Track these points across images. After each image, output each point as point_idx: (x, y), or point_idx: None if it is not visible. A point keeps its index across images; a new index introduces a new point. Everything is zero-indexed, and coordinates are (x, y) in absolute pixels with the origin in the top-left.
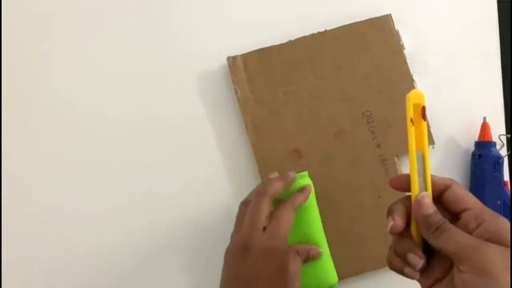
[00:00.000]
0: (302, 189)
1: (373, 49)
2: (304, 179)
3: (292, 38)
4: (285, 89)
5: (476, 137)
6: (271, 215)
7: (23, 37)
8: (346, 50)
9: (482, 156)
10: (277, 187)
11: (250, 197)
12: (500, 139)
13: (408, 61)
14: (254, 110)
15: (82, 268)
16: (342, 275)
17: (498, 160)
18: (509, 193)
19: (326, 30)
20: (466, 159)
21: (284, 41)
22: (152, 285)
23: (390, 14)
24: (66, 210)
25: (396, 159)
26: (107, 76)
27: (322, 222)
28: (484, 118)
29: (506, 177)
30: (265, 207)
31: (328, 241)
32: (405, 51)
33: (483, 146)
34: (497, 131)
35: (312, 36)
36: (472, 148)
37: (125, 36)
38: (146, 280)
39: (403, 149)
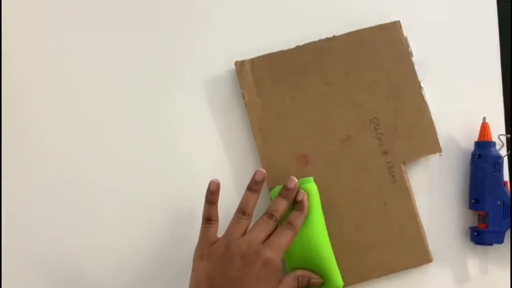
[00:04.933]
0: (301, 207)
1: (381, 56)
2: (310, 185)
3: (300, 44)
4: (292, 94)
5: (476, 137)
6: (274, 231)
7: (23, 38)
8: (354, 56)
9: (482, 156)
10: (283, 208)
11: (242, 205)
12: (500, 139)
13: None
14: (261, 115)
15: (83, 268)
16: (347, 282)
17: (497, 160)
18: (509, 193)
19: (334, 36)
20: (466, 159)
21: (292, 46)
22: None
23: (399, 21)
24: (67, 211)
25: (403, 166)
26: (114, 80)
27: (328, 228)
28: (484, 118)
29: (506, 177)
30: (271, 229)
31: (333, 247)
32: (413, 58)
33: (483, 146)
34: (497, 131)
35: (320, 41)
36: (472, 148)
37: (132, 41)
38: (149, 282)
39: (410, 156)
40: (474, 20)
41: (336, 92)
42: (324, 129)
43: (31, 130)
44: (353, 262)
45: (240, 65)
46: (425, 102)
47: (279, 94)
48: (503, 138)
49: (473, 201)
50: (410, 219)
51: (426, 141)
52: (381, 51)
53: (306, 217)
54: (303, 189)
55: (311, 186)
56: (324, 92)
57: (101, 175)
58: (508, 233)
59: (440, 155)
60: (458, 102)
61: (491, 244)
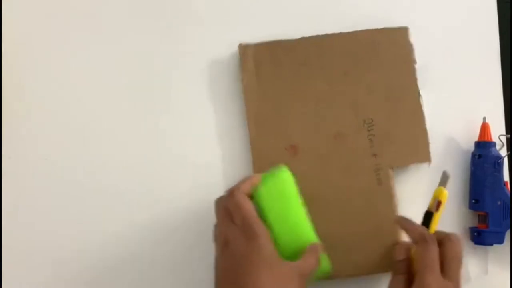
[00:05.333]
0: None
1: (384, 59)
2: (283, 173)
3: (306, 35)
4: (291, 84)
5: (476, 137)
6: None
7: (23, 37)
8: (356, 55)
9: (482, 156)
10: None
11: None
12: (500, 139)
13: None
14: (257, 101)
15: (84, 268)
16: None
17: (498, 160)
18: (509, 194)
19: (341, 33)
20: (466, 159)
21: (297, 36)
22: (150, 281)
23: (407, 27)
24: (67, 210)
25: (390, 171)
26: (111, 62)
27: (313, 221)
28: (484, 118)
29: (506, 178)
30: (222, 206)
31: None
32: (416, 65)
33: (483, 146)
34: (497, 131)
35: (326, 36)
36: (472, 148)
37: (134, 22)
38: (144, 277)
39: (399, 162)
40: (474, 20)
41: (335, 89)
42: (317, 123)
43: (31, 130)
44: (337, 256)
45: (244, 49)
46: (422, 111)
47: (278, 83)
48: (503, 138)
49: (473, 201)
50: (389, 224)
51: (417, 149)
52: (385, 54)
53: (285, 207)
54: (276, 177)
55: (282, 175)
56: (322, 87)
57: (101, 175)
58: (508, 233)
59: (429, 165)
60: (458, 102)
61: (491, 245)
